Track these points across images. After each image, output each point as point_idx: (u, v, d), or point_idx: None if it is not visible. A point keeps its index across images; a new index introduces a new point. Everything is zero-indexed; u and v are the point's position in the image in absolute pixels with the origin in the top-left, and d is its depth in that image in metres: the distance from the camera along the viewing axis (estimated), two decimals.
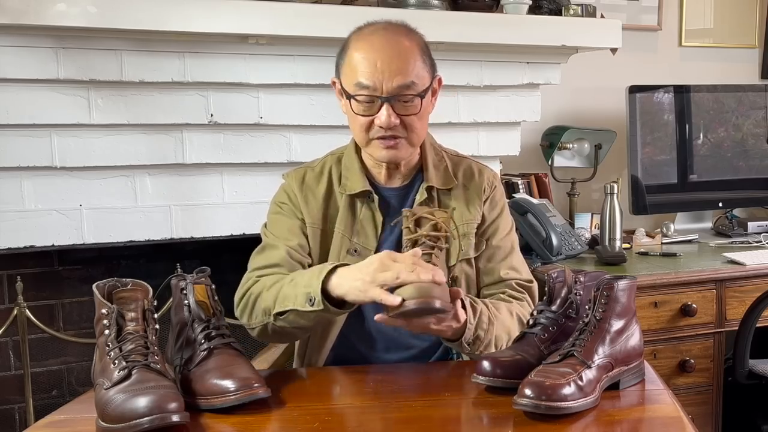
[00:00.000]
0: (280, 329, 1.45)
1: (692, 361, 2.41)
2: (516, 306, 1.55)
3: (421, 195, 1.56)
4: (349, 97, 1.48)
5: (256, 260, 1.56)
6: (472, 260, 1.59)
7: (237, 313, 1.52)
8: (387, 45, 1.46)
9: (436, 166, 1.59)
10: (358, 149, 1.59)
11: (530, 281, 1.63)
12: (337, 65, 1.53)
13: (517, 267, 1.62)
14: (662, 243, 2.86)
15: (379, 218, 1.56)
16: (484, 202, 1.61)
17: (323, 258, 1.55)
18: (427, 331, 1.36)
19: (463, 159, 1.66)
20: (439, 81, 1.58)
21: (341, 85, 1.50)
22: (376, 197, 1.56)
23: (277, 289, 1.43)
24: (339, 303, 1.35)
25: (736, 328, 2.32)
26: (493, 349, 1.44)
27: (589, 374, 1.18)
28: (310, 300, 1.35)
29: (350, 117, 1.51)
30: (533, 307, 1.55)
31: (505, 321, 1.49)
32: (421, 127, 1.51)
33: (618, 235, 2.64)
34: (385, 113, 1.44)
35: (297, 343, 1.61)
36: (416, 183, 1.59)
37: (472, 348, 1.42)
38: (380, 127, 1.46)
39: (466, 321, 1.38)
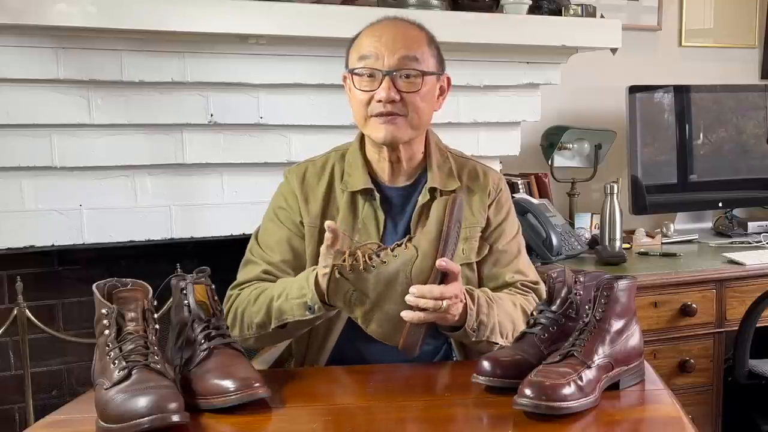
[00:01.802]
0: (281, 336, 1.51)
1: (692, 361, 2.41)
2: (519, 298, 1.55)
3: (423, 196, 1.55)
4: (351, 71, 1.48)
5: (238, 276, 1.60)
6: (474, 264, 1.57)
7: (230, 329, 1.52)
8: (394, 27, 1.50)
9: (440, 166, 1.58)
10: (362, 146, 1.58)
11: (537, 282, 1.61)
12: (346, 59, 1.54)
13: (523, 270, 1.61)
14: (662, 243, 2.86)
15: (381, 217, 1.55)
16: (489, 205, 1.60)
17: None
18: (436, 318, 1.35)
19: (468, 160, 1.65)
20: (448, 81, 1.58)
21: (347, 68, 1.51)
22: (377, 195, 1.55)
23: (266, 304, 1.47)
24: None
25: (736, 328, 2.32)
26: (499, 336, 1.43)
27: (589, 374, 1.18)
28: (310, 308, 1.39)
29: (352, 98, 1.51)
30: None
31: (506, 308, 1.48)
32: (423, 110, 1.49)
33: (618, 235, 2.64)
34: (384, 86, 1.44)
35: (297, 343, 1.61)
36: (420, 183, 1.58)
37: (478, 334, 1.40)
38: (379, 101, 1.45)
39: (466, 308, 1.38)
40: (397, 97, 1.45)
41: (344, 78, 1.55)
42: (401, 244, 1.35)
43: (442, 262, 1.30)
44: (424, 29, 1.54)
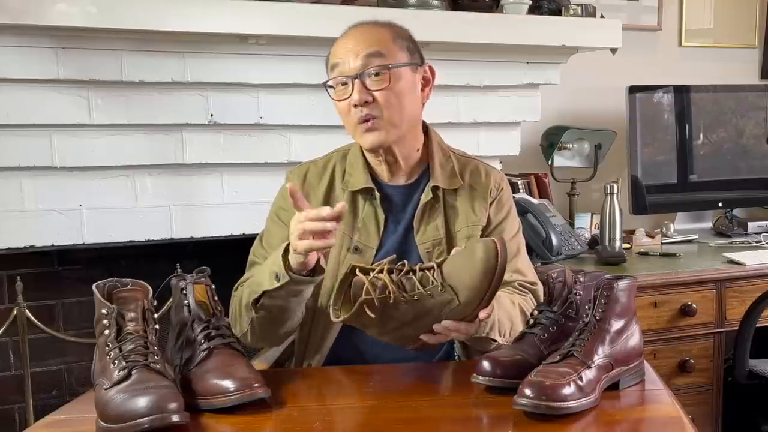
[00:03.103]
0: (265, 320, 1.47)
1: (692, 361, 2.41)
2: (518, 297, 1.54)
3: (426, 195, 1.56)
4: (326, 85, 1.50)
5: (244, 275, 1.61)
6: None
7: (233, 327, 1.53)
8: (359, 30, 1.51)
9: (443, 165, 1.59)
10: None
11: (534, 283, 1.61)
12: (326, 72, 1.54)
13: (521, 270, 1.61)
14: (662, 243, 2.86)
15: (381, 216, 1.55)
16: (490, 204, 1.60)
17: (323, 255, 1.54)
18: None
19: (470, 160, 1.66)
20: (431, 71, 1.57)
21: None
22: (378, 194, 1.55)
23: (249, 286, 1.48)
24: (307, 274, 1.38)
25: (736, 328, 2.32)
26: (497, 333, 1.42)
27: (589, 374, 1.18)
28: (276, 276, 1.38)
29: (337, 110, 1.52)
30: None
31: (505, 306, 1.47)
32: (400, 106, 1.48)
33: (618, 235, 2.65)
34: (355, 89, 1.45)
35: (296, 342, 1.61)
36: (422, 182, 1.58)
37: (478, 330, 1.38)
38: (355, 106, 1.46)
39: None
40: (370, 98, 1.45)
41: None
42: (430, 270, 1.28)
43: (483, 314, 1.29)
44: (392, 26, 1.54)
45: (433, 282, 1.27)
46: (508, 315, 1.47)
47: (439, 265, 1.29)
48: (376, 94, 1.46)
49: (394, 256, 1.35)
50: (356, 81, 1.45)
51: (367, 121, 1.47)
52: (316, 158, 1.66)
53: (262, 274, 1.44)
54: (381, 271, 1.27)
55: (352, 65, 1.46)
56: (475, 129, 2.51)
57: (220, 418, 1.18)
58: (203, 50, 2.11)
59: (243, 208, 2.25)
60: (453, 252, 1.35)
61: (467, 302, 1.27)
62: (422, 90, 1.55)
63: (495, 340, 1.43)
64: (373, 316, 1.26)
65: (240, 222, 2.25)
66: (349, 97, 1.47)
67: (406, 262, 1.31)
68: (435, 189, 1.56)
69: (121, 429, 1.09)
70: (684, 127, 2.98)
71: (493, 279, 1.26)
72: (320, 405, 1.29)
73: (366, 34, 1.50)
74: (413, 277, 1.28)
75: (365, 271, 1.28)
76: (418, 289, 1.27)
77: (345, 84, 1.47)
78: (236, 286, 1.59)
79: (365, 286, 1.26)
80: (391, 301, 1.26)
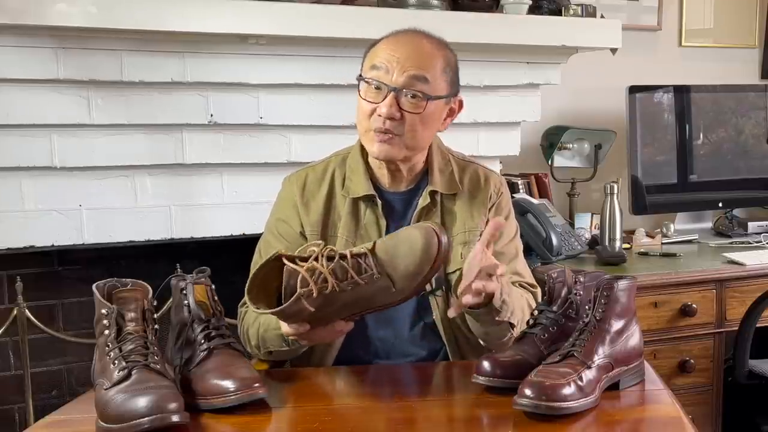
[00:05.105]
0: (279, 356, 1.50)
1: (692, 361, 2.41)
2: (523, 291, 1.54)
3: (423, 199, 1.54)
4: (360, 78, 1.47)
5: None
6: None
7: (243, 344, 1.54)
8: (412, 42, 1.48)
9: (442, 170, 1.57)
10: (363, 151, 1.57)
11: (534, 285, 1.61)
12: (362, 61, 1.52)
13: (520, 272, 1.60)
14: (662, 243, 2.86)
15: (383, 223, 1.54)
16: (489, 209, 1.59)
17: None
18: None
19: (469, 164, 1.64)
20: (460, 103, 1.56)
21: (360, 72, 1.50)
22: (379, 202, 1.54)
23: (257, 330, 1.48)
24: None
25: (736, 328, 2.32)
26: (515, 320, 1.41)
27: (589, 374, 1.19)
28: (285, 342, 1.40)
29: (357, 105, 1.50)
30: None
31: (517, 296, 1.47)
32: (422, 132, 1.47)
33: (618, 235, 2.65)
34: (387, 102, 1.43)
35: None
36: (421, 187, 1.57)
37: (501, 314, 1.37)
38: (379, 116, 1.44)
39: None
40: (398, 115, 1.43)
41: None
42: (362, 257, 1.23)
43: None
44: (445, 49, 1.51)
45: (366, 269, 1.23)
46: (520, 305, 1.47)
47: (372, 251, 1.25)
48: (405, 113, 1.44)
49: (321, 241, 1.31)
50: (392, 94, 1.43)
51: (384, 133, 1.45)
52: (312, 163, 1.64)
53: (267, 331, 1.44)
54: (315, 259, 1.21)
55: (394, 77, 1.43)
56: (475, 129, 2.51)
57: (220, 418, 1.18)
58: (203, 50, 2.11)
59: (243, 208, 2.25)
60: (387, 237, 1.32)
61: (403, 288, 1.25)
62: (445, 118, 1.54)
63: (514, 326, 1.42)
64: (312, 309, 1.21)
65: (240, 222, 2.25)
66: (377, 103, 1.44)
67: (333, 248, 1.25)
68: (433, 194, 1.55)
69: (121, 429, 1.09)
70: (684, 127, 2.99)
71: (433, 265, 1.24)
72: (320, 405, 1.29)
73: (418, 51, 1.46)
74: (346, 264, 1.22)
75: (291, 260, 1.22)
76: (352, 277, 1.22)
77: (378, 89, 1.44)
78: (242, 303, 1.58)
79: (301, 277, 1.19)
80: (327, 292, 1.21)
